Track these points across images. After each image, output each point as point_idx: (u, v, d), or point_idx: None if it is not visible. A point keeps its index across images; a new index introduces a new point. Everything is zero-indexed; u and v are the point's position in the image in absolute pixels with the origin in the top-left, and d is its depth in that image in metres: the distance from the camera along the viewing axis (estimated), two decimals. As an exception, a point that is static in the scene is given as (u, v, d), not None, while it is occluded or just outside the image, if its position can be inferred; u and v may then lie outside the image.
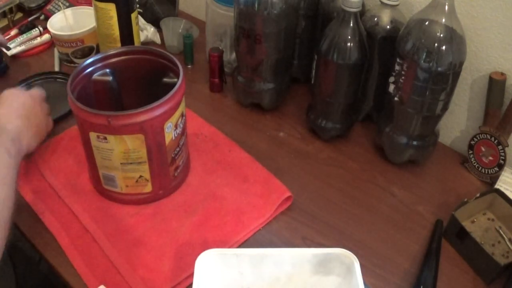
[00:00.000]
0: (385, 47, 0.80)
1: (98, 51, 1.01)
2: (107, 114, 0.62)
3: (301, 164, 0.83)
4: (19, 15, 1.18)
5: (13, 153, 0.66)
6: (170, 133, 0.66)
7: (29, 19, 1.14)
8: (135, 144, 0.65)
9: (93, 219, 0.71)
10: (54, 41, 1.03)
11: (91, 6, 0.95)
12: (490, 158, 0.79)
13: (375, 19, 0.80)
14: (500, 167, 0.78)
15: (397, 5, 0.77)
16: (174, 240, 0.69)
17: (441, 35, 0.68)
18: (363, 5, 0.77)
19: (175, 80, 0.67)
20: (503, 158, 0.77)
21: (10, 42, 1.05)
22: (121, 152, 0.65)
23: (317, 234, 0.72)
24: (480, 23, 0.76)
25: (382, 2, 0.77)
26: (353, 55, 0.76)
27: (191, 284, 0.55)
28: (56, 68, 1.02)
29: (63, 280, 0.65)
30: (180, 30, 1.07)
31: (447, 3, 0.68)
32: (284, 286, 0.60)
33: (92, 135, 0.64)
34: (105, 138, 0.64)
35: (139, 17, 1.02)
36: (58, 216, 0.71)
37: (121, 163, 0.67)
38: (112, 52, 0.73)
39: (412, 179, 0.81)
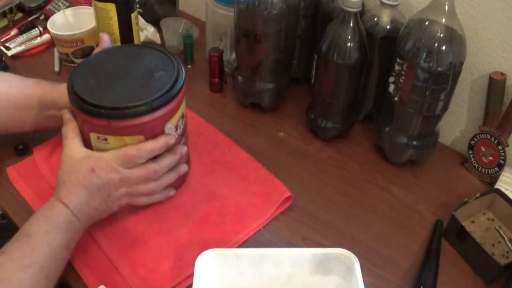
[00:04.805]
0: (385, 47, 0.80)
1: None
2: (107, 116, 0.61)
3: (301, 164, 0.83)
4: (19, 15, 1.18)
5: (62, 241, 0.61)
6: (170, 134, 0.66)
7: (29, 19, 1.14)
8: None
9: (93, 219, 0.71)
10: (54, 41, 1.03)
11: (91, 6, 0.95)
12: (490, 158, 0.79)
13: (375, 19, 0.80)
14: (500, 167, 0.78)
15: (397, 5, 0.77)
16: (174, 240, 0.69)
17: (441, 35, 0.68)
18: (363, 5, 0.77)
19: (172, 74, 0.66)
20: (503, 158, 0.77)
21: (10, 42, 1.05)
22: None
23: (317, 234, 0.72)
24: (480, 23, 0.76)
25: (382, 2, 0.77)
26: (353, 55, 0.76)
27: (191, 284, 0.55)
28: (56, 68, 1.02)
29: (63, 280, 0.65)
30: (180, 30, 1.07)
31: (447, 3, 0.68)
32: (284, 286, 0.60)
33: (93, 136, 0.64)
34: (105, 139, 0.63)
35: (139, 17, 1.02)
36: (58, 216, 0.71)
37: None
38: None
39: (412, 179, 0.81)
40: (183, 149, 0.69)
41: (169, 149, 0.66)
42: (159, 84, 0.64)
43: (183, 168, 0.71)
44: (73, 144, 0.65)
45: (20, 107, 0.74)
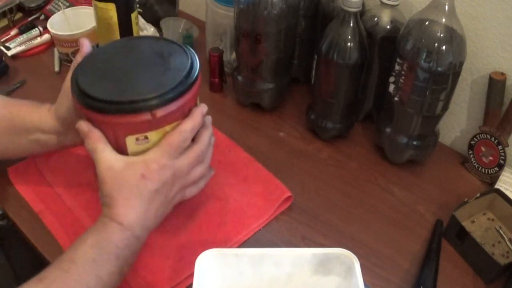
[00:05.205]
0: (385, 47, 0.80)
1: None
2: (151, 107, 0.55)
3: (301, 164, 0.83)
4: (19, 15, 1.18)
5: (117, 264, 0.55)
6: (201, 104, 0.63)
7: (29, 19, 1.14)
8: None
9: (93, 219, 0.71)
10: (54, 41, 1.03)
11: (91, 6, 0.95)
12: (490, 158, 0.79)
13: (375, 19, 0.80)
14: (500, 167, 0.78)
15: (397, 5, 0.77)
16: (174, 240, 0.69)
17: (441, 35, 0.68)
18: (363, 5, 0.77)
19: (182, 52, 0.62)
20: (503, 158, 0.77)
21: (10, 42, 1.05)
22: None
23: (317, 234, 0.72)
24: (480, 23, 0.76)
25: (382, 2, 0.77)
26: (353, 55, 0.76)
27: (191, 284, 0.55)
28: (56, 68, 1.02)
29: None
30: (180, 30, 1.07)
31: (447, 3, 0.68)
32: (284, 286, 0.60)
33: (130, 140, 0.58)
34: (146, 138, 0.58)
35: (139, 17, 1.02)
36: (58, 216, 0.71)
37: None
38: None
39: (412, 179, 0.81)
40: (204, 109, 0.62)
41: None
42: (178, 63, 0.60)
43: (213, 139, 0.66)
44: (107, 155, 0.57)
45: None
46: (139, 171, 0.57)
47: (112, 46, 0.67)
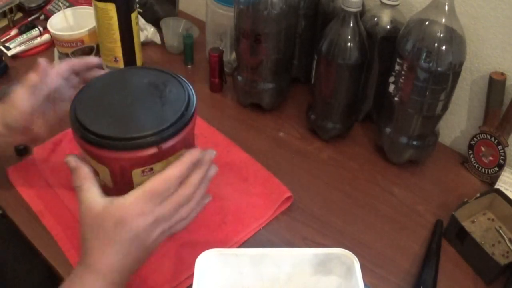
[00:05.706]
0: (385, 47, 0.80)
1: (98, 51, 1.01)
2: (158, 141, 0.56)
3: (301, 164, 0.83)
4: (19, 15, 1.18)
5: None
6: (195, 146, 0.63)
7: (29, 19, 1.14)
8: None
9: (93, 219, 0.71)
10: (54, 41, 1.03)
11: (91, 6, 0.95)
12: (490, 158, 0.79)
13: (375, 19, 0.80)
14: (500, 167, 0.78)
15: (397, 5, 0.77)
16: (174, 240, 0.68)
17: (441, 35, 0.68)
18: (363, 5, 0.77)
19: (175, 82, 0.64)
20: (503, 158, 0.77)
21: (10, 42, 1.05)
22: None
23: (317, 234, 0.72)
24: (480, 23, 0.76)
25: (382, 2, 0.77)
26: (353, 55, 0.76)
27: (191, 284, 0.55)
28: (56, 68, 1.02)
29: (62, 280, 0.65)
30: (180, 30, 1.07)
31: (447, 3, 0.68)
32: (284, 286, 0.60)
33: (136, 172, 0.58)
34: (151, 169, 0.58)
35: (139, 17, 1.02)
36: (58, 216, 0.71)
37: None
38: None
39: (412, 179, 0.81)
40: (212, 154, 0.60)
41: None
42: (175, 94, 0.61)
43: (213, 171, 0.62)
44: (89, 195, 0.55)
45: None
46: (116, 215, 0.53)
47: (105, 79, 0.67)
